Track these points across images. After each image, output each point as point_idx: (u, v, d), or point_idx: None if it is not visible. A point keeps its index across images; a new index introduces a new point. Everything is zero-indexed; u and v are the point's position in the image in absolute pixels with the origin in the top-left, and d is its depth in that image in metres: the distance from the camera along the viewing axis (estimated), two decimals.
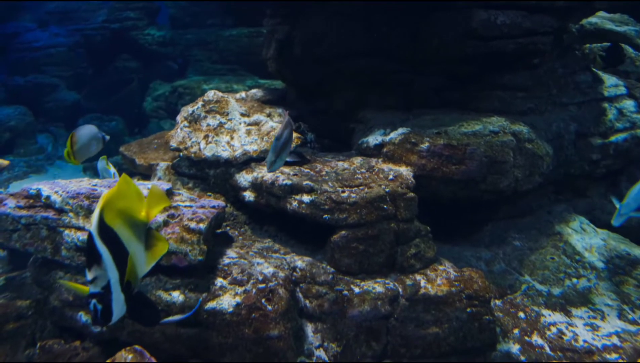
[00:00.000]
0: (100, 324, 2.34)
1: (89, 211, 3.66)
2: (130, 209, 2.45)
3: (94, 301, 2.33)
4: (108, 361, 3.26)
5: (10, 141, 10.64)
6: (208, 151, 4.47)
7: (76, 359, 3.49)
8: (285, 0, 5.40)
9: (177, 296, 3.47)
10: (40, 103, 11.79)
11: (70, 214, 3.63)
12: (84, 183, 3.96)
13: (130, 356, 3.24)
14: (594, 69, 5.80)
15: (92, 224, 2.29)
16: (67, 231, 3.61)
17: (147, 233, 2.53)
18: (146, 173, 5.08)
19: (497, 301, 4.37)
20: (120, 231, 2.36)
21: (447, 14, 4.90)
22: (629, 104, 5.60)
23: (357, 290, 3.72)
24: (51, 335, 3.65)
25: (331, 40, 5.31)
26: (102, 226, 2.31)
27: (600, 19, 6.45)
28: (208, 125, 4.64)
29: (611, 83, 5.68)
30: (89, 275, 2.30)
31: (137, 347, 3.33)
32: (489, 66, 5.07)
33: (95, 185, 3.90)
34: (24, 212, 3.69)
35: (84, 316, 3.57)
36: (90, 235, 2.28)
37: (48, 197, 3.70)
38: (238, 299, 3.44)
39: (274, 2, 5.71)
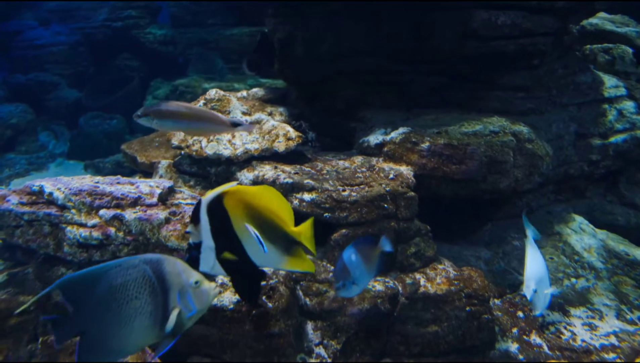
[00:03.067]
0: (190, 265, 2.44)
1: (91, 208, 3.69)
2: (269, 211, 2.52)
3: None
4: None
5: (11, 138, 10.65)
6: (209, 149, 4.49)
7: None
8: (286, 0, 5.42)
9: None
10: (41, 101, 11.80)
11: (73, 211, 3.66)
12: (86, 180, 3.98)
13: None
14: (595, 70, 5.83)
15: (207, 197, 2.42)
16: (69, 228, 3.63)
17: (291, 247, 2.60)
18: (148, 171, 5.10)
19: (496, 301, 4.40)
20: (236, 220, 2.44)
21: (448, 14, 4.92)
22: (629, 105, 5.62)
23: None
24: None
25: (332, 40, 5.33)
26: (217, 204, 2.41)
27: (600, 19, 6.47)
28: None
29: (611, 84, 5.70)
30: (188, 228, 2.46)
31: None
32: (489, 66, 5.10)
33: (97, 182, 3.93)
34: (26, 208, 3.71)
35: None
36: (199, 202, 2.41)
37: (51, 194, 3.72)
38: (239, 296, 3.46)
39: (275, 1, 5.73)
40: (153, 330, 2.31)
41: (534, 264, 3.56)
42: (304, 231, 2.60)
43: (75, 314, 2.21)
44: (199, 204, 2.42)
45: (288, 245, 2.57)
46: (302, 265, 2.62)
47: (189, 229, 2.47)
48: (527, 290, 3.50)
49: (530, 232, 3.88)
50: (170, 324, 2.30)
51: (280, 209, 2.56)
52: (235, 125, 3.23)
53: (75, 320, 2.22)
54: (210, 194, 2.43)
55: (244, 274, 2.60)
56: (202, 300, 2.38)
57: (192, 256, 2.47)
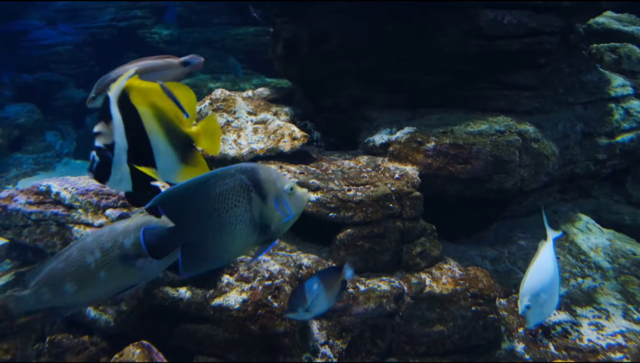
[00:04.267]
0: (94, 176, 2.37)
1: (97, 208, 3.71)
2: (168, 111, 2.46)
3: (93, 153, 2.37)
4: (116, 355, 3.30)
5: (18, 138, 10.71)
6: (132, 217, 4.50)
7: (84, 353, 3.53)
8: (289, 0, 5.42)
9: (184, 292, 3.51)
10: (48, 101, 11.86)
11: (80, 210, 3.68)
12: (92, 180, 4.00)
13: (138, 351, 3.28)
14: (601, 69, 5.80)
15: (113, 91, 2.34)
16: (76, 227, 3.66)
17: (189, 152, 2.53)
18: None
19: (502, 300, 4.39)
20: (145, 117, 2.39)
21: (453, 13, 4.91)
22: (635, 104, 5.60)
23: (362, 287, 3.75)
24: (60, 330, 3.69)
25: (337, 38, 5.34)
26: (124, 99, 2.36)
27: (607, 18, 6.45)
28: None
29: (618, 83, 5.68)
30: (96, 128, 2.36)
31: (144, 342, 3.37)
32: (494, 65, 5.08)
33: None
34: (34, 208, 3.74)
35: (92, 312, 3.62)
36: (107, 98, 2.34)
37: (58, 193, 3.75)
38: (244, 296, 3.48)
39: (279, 1, 5.74)
40: (252, 236, 2.34)
41: (537, 274, 3.43)
42: (203, 130, 2.51)
43: (176, 227, 2.24)
44: (107, 102, 2.34)
45: (185, 149, 2.50)
46: (191, 172, 2.50)
47: (97, 128, 2.36)
48: (520, 304, 3.35)
49: (551, 233, 3.67)
50: (272, 229, 2.34)
51: (174, 109, 2.48)
52: (186, 64, 3.21)
53: (176, 233, 2.24)
54: (117, 87, 2.34)
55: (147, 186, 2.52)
56: (297, 205, 2.39)
57: (104, 161, 2.37)
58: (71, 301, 2.67)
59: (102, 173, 2.38)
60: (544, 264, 3.43)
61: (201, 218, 2.26)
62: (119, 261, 2.59)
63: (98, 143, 2.37)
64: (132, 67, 3.17)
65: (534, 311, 3.31)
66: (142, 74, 3.30)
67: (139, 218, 2.63)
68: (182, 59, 3.25)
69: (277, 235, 2.43)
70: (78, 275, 2.58)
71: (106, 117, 2.35)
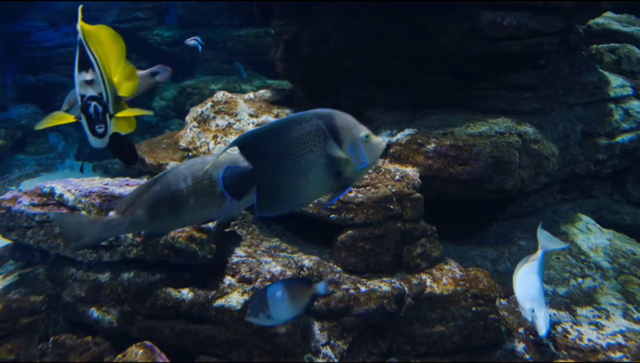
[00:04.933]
0: (98, 131, 2.40)
1: (100, 210, 3.74)
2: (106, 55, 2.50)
3: (94, 103, 2.38)
4: (119, 356, 3.33)
5: (21, 139, 10.74)
6: (217, 151, 4.54)
7: (88, 353, 3.56)
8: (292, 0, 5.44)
9: (186, 293, 3.54)
10: (51, 102, 11.87)
11: (83, 212, 3.71)
12: (95, 182, 4.04)
13: (140, 351, 3.32)
14: (601, 70, 5.82)
15: (80, 32, 2.38)
16: None
17: (118, 101, 2.62)
18: (155, 172, 5.14)
19: (503, 301, 4.41)
20: (101, 62, 2.46)
21: (454, 13, 4.93)
22: (635, 104, 5.62)
23: (363, 288, 3.77)
24: (64, 330, 3.73)
25: (338, 38, 5.36)
26: (86, 45, 2.40)
27: (607, 19, 6.47)
28: (217, 125, 4.70)
29: (617, 84, 5.70)
30: (87, 76, 2.36)
31: (147, 342, 3.41)
32: (495, 65, 5.10)
33: (106, 184, 3.98)
34: (37, 210, 3.77)
35: (95, 312, 3.65)
36: (82, 42, 2.36)
37: (61, 195, 3.78)
38: (246, 297, 3.51)
39: (281, 3, 5.76)
40: (326, 182, 2.36)
41: (525, 282, 3.48)
42: (122, 78, 2.53)
43: (253, 169, 2.29)
44: (82, 46, 2.37)
45: (116, 99, 2.53)
46: (119, 125, 2.50)
47: (87, 77, 2.37)
48: (525, 311, 3.40)
49: (541, 248, 3.75)
50: (346, 176, 2.36)
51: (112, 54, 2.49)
52: (154, 74, 3.22)
53: (253, 174, 2.29)
54: (80, 29, 2.38)
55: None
56: (372, 152, 2.40)
57: (100, 110, 2.38)
58: (161, 226, 2.77)
59: (104, 125, 2.40)
60: (529, 273, 3.52)
61: (278, 161, 2.30)
62: (207, 191, 2.66)
63: (93, 92, 2.37)
64: None
65: (539, 314, 3.34)
66: None
67: (229, 154, 2.68)
68: (150, 69, 3.26)
69: (351, 182, 2.44)
70: (171, 199, 2.67)
71: (89, 63, 2.35)
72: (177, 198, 2.65)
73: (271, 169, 2.30)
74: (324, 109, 2.40)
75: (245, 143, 2.25)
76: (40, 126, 2.51)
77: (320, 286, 3.04)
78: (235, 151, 2.32)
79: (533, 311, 3.35)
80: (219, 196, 2.63)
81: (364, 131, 2.37)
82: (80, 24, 2.42)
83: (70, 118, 2.44)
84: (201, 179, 2.66)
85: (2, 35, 12.61)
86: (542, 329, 3.41)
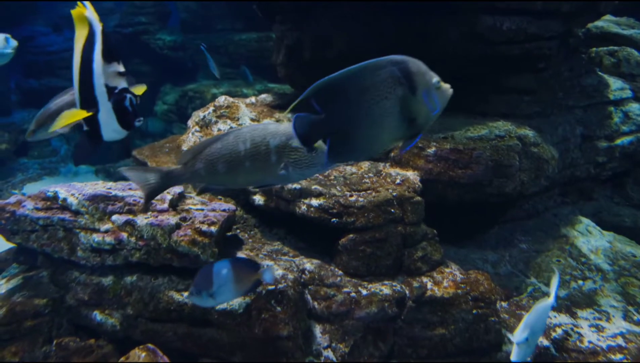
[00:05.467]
0: (137, 124, 2.45)
1: (103, 214, 3.77)
2: None
3: (129, 95, 2.47)
4: (122, 359, 3.36)
5: (24, 143, 10.79)
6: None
7: (91, 356, 3.60)
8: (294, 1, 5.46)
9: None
10: None
11: (86, 216, 3.74)
12: (99, 186, 4.07)
13: (143, 354, 3.34)
14: (600, 73, 5.85)
15: (99, 22, 2.41)
16: (82, 233, 3.72)
17: None
18: None
19: (503, 303, 4.43)
20: None
21: (454, 18, 4.97)
22: (634, 107, 5.65)
23: (364, 292, 3.79)
24: (67, 333, 3.76)
25: (340, 42, 5.39)
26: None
27: (606, 22, 6.50)
28: (219, 130, 4.73)
29: (617, 86, 5.72)
30: (120, 67, 2.44)
31: (150, 345, 3.43)
32: (495, 69, 5.13)
33: (109, 188, 4.01)
34: (41, 214, 3.80)
35: (98, 315, 3.68)
36: (106, 32, 2.43)
37: (65, 199, 3.81)
38: (248, 300, 3.53)
39: (283, 8, 5.80)
40: (400, 129, 2.37)
41: (537, 316, 3.43)
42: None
43: (326, 117, 2.31)
44: (109, 35, 2.42)
45: None
46: None
47: (120, 68, 2.41)
48: (519, 333, 3.34)
49: (554, 296, 3.67)
50: (419, 122, 2.38)
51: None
52: None
53: (326, 122, 2.32)
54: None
55: None
56: (443, 98, 2.42)
57: (135, 102, 2.44)
58: (218, 182, 2.92)
59: (128, 111, 2.46)
60: (542, 311, 3.48)
61: (351, 108, 2.33)
62: (262, 157, 2.78)
63: (125, 84, 2.41)
64: (67, 97, 3.21)
65: (526, 346, 3.34)
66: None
67: (288, 125, 2.77)
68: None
69: (423, 128, 2.46)
70: (229, 158, 2.81)
71: (115, 55, 2.38)
72: (234, 158, 2.79)
73: (344, 117, 2.32)
74: (398, 55, 2.41)
75: (320, 91, 2.27)
76: (54, 127, 2.53)
77: (267, 275, 3.01)
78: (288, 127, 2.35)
79: (526, 340, 3.32)
80: (273, 163, 2.73)
81: (435, 76, 2.39)
82: (95, 15, 2.43)
83: (84, 113, 2.45)
84: (259, 144, 2.77)
85: None
86: (516, 358, 3.38)
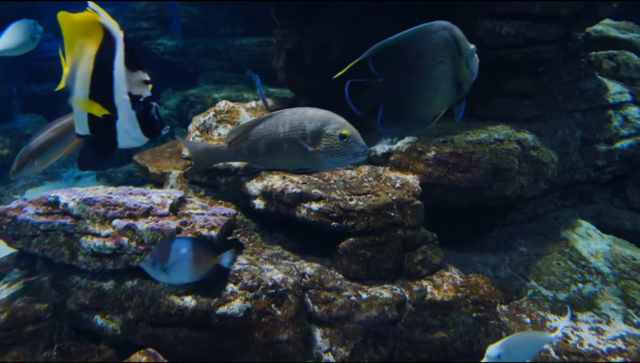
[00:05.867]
0: (164, 132, 2.45)
1: (104, 218, 3.79)
2: None
3: (155, 104, 2.44)
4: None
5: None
6: None
7: (92, 361, 3.61)
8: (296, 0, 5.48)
9: (189, 301, 3.58)
10: (55, 111, 11.97)
11: (87, 221, 3.76)
12: (99, 191, 4.09)
13: (144, 358, 3.36)
14: (599, 76, 5.86)
15: (118, 28, 2.38)
16: (83, 238, 3.73)
17: None
18: (159, 181, 5.20)
19: (504, 307, 4.44)
20: None
21: (454, 23, 4.98)
22: (634, 110, 5.66)
23: (364, 295, 3.80)
24: (68, 338, 3.77)
25: (340, 47, 5.41)
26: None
27: (605, 26, 6.52)
28: (219, 134, 4.75)
29: (616, 90, 5.74)
30: (145, 75, 2.41)
31: (150, 349, 3.44)
32: (494, 73, 5.15)
33: (110, 193, 4.03)
34: (42, 219, 3.82)
35: (99, 320, 3.70)
36: (128, 39, 2.38)
37: (66, 204, 3.83)
38: (248, 304, 3.54)
39: (284, 12, 5.82)
40: (451, 94, 2.38)
41: (525, 343, 3.26)
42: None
43: (383, 81, 2.31)
44: (129, 41, 2.37)
45: None
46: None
47: (146, 76, 2.38)
48: (494, 348, 3.15)
49: (557, 333, 3.62)
50: (464, 88, 2.42)
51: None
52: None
53: (382, 86, 2.31)
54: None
55: None
56: (476, 65, 2.46)
57: (159, 110, 2.40)
58: (259, 162, 3.05)
59: (153, 119, 2.42)
60: (533, 342, 3.36)
61: (409, 71, 2.36)
62: (298, 140, 2.87)
63: (149, 93, 2.38)
64: (47, 135, 3.19)
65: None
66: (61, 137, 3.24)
67: (325, 111, 2.89)
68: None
69: (464, 95, 2.46)
70: (269, 140, 2.93)
71: (139, 63, 2.36)
72: (274, 140, 2.91)
73: (402, 81, 2.35)
74: (444, 21, 2.41)
75: (377, 54, 2.28)
76: (79, 132, 2.48)
77: (225, 259, 2.98)
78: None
79: (498, 356, 3.10)
80: (306, 147, 2.83)
81: (472, 44, 2.42)
82: (112, 21, 2.36)
83: (104, 111, 2.40)
84: (296, 128, 2.88)
85: None
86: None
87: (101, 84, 2.36)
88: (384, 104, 2.29)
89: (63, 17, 2.41)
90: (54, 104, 12.06)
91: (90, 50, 2.35)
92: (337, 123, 2.86)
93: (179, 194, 4.16)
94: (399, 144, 4.67)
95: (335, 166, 3.18)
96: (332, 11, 5.30)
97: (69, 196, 3.91)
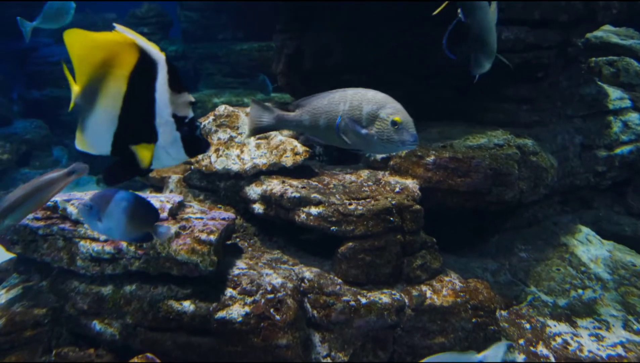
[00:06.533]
0: (207, 151, 2.51)
1: None
2: None
3: (200, 123, 2.47)
4: None
5: (26, 153, 10.81)
6: (219, 164, 4.59)
7: None
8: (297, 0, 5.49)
9: (188, 305, 3.57)
10: (55, 116, 11.99)
11: (86, 225, 3.75)
12: None
13: None
14: (599, 82, 5.87)
15: (160, 52, 2.35)
16: (82, 242, 3.73)
17: None
18: (158, 185, 5.20)
19: (503, 312, 4.43)
20: None
21: None
22: (634, 116, 5.67)
23: (364, 300, 3.80)
24: (67, 343, 3.76)
25: (340, 53, 5.43)
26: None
27: (605, 32, 6.53)
28: (219, 139, 4.76)
29: (616, 96, 5.75)
30: (191, 97, 2.37)
31: (149, 354, 3.44)
32: (494, 79, 5.14)
33: None
34: (41, 223, 3.81)
35: (98, 325, 3.68)
36: (171, 63, 2.35)
37: (65, 209, 3.83)
38: (247, 309, 3.53)
39: (284, 16, 5.84)
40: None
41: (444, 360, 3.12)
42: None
43: (470, 23, 2.87)
44: (172, 64, 2.32)
45: None
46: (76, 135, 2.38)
47: (191, 98, 2.35)
48: None
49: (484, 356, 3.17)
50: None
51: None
52: (70, 173, 3.13)
53: (469, 28, 2.90)
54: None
55: None
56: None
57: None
58: (319, 135, 3.14)
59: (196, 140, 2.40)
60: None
61: (485, 17, 3.00)
62: (352, 123, 2.97)
63: (192, 113, 2.34)
64: (22, 191, 3.18)
65: None
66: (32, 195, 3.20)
67: (386, 96, 3.07)
68: (66, 170, 3.25)
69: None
70: (330, 115, 3.03)
71: (181, 85, 2.31)
72: (334, 116, 3.00)
73: (483, 24, 2.98)
74: None
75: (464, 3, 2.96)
76: (93, 151, 2.42)
77: (159, 231, 2.88)
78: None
79: None
80: (360, 129, 2.94)
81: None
82: (150, 43, 2.30)
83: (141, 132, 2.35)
84: (355, 108, 2.99)
85: (10, 51, 12.75)
86: None
87: (136, 105, 2.28)
88: (473, 45, 2.97)
89: (76, 34, 2.38)
90: (54, 109, 12.09)
91: (120, 70, 2.27)
92: (392, 108, 2.98)
93: (178, 198, 4.15)
94: None
95: (386, 151, 3.38)
96: (332, 19, 5.32)
97: (67, 200, 3.90)
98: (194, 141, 2.33)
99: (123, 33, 2.29)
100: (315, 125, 3.08)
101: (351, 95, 3.02)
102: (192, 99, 2.35)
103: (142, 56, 2.29)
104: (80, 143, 2.39)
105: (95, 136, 2.35)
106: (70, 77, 2.42)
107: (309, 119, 3.09)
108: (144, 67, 2.29)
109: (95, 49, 2.33)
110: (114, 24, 2.35)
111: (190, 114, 2.32)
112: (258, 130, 3.31)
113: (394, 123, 2.92)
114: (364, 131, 2.95)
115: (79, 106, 2.36)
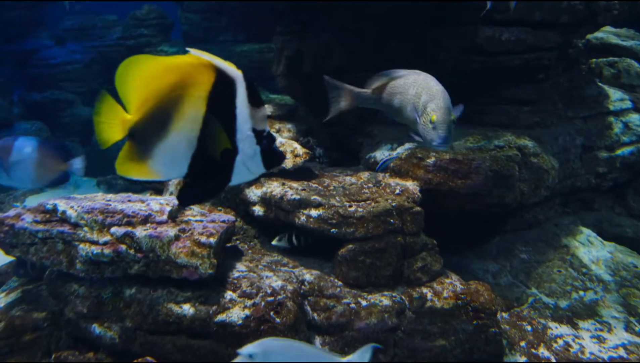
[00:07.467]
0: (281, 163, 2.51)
1: (102, 226, 3.77)
2: None
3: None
4: None
5: None
6: None
7: None
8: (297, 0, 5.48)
9: (187, 308, 3.56)
10: (56, 118, 12.00)
11: (85, 228, 3.74)
12: (98, 198, 4.08)
13: None
14: (600, 83, 5.86)
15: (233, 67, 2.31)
16: (82, 245, 3.71)
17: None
18: (159, 188, 5.19)
19: (504, 314, 4.41)
20: None
21: (453, 30, 5.00)
22: (635, 118, 5.65)
23: (364, 302, 3.78)
24: (66, 346, 3.75)
25: (340, 55, 5.41)
26: None
27: (606, 33, 6.52)
28: None
29: (617, 97, 5.73)
30: (268, 110, 2.40)
31: (149, 358, 3.43)
32: (495, 80, 5.15)
33: (109, 200, 4.02)
34: (40, 226, 3.80)
35: (97, 328, 3.67)
36: (249, 79, 2.31)
37: (64, 212, 3.82)
38: (247, 312, 3.52)
39: (284, 18, 5.83)
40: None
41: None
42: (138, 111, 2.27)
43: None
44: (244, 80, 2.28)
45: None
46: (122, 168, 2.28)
47: (268, 111, 2.39)
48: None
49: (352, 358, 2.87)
50: None
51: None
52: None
53: None
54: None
55: None
56: None
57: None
58: (392, 114, 3.35)
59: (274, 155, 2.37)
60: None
61: None
62: (410, 109, 3.16)
63: (268, 127, 2.33)
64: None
65: None
66: None
67: (442, 89, 3.19)
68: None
69: None
70: (402, 97, 3.22)
71: (260, 100, 2.30)
72: (404, 98, 3.20)
73: None
74: None
75: None
76: (165, 177, 2.37)
77: (75, 165, 2.73)
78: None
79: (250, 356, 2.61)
80: (417, 116, 3.11)
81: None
82: (224, 61, 2.26)
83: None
84: (417, 95, 3.15)
85: (11, 53, 12.77)
86: None
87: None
88: None
89: (142, 60, 2.31)
90: (55, 112, 12.10)
91: (197, 91, 2.23)
92: (435, 104, 3.05)
93: (177, 201, 4.14)
94: (399, 150, 4.67)
95: (424, 144, 3.49)
96: (332, 21, 5.31)
97: (67, 203, 3.89)
98: (272, 153, 2.32)
99: (197, 55, 2.28)
100: (390, 105, 3.30)
101: (420, 81, 3.19)
102: (268, 113, 2.36)
103: (219, 75, 2.27)
104: (143, 173, 2.30)
105: (169, 161, 2.29)
106: (115, 106, 2.38)
107: (386, 98, 3.31)
108: (223, 85, 2.26)
109: (166, 72, 2.29)
110: (187, 48, 2.32)
111: (267, 127, 2.32)
112: (337, 111, 3.59)
113: (431, 120, 2.98)
114: (418, 119, 3.11)
115: (138, 135, 2.29)
